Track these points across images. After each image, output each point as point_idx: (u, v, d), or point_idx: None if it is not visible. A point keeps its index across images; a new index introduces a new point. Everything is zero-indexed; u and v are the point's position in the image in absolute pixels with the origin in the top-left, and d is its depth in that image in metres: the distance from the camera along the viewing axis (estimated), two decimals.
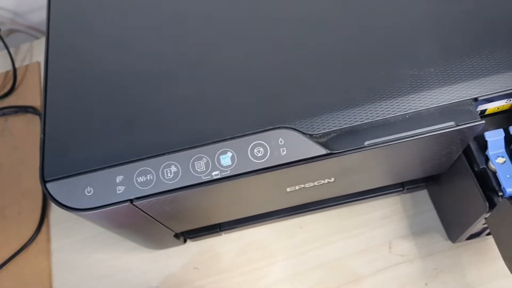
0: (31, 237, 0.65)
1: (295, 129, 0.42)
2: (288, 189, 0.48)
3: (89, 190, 0.41)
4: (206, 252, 0.62)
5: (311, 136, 0.42)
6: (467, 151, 0.48)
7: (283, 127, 0.42)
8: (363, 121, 0.42)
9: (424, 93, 0.42)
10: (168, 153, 0.42)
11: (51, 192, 0.42)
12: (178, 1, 0.50)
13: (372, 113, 0.42)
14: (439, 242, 0.59)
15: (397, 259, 0.59)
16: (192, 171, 0.42)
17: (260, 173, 0.42)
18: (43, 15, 0.59)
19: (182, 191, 0.41)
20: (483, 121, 0.42)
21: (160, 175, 0.41)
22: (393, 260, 0.59)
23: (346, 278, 0.59)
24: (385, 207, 0.62)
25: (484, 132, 0.46)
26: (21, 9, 0.83)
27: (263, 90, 0.44)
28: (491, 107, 0.46)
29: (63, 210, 0.42)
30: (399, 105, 0.42)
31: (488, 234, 0.55)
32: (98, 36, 0.49)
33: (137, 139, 0.43)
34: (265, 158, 0.42)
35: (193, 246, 0.62)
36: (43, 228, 0.66)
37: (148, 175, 0.41)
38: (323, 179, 0.47)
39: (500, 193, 0.45)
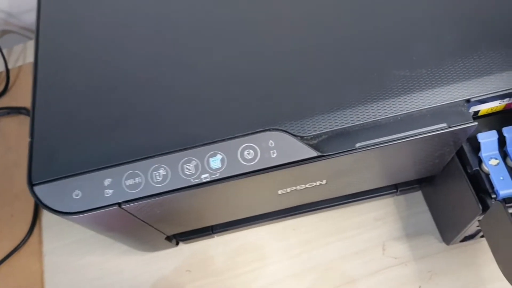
0: (23, 239, 0.64)
1: (285, 131, 0.42)
2: (279, 192, 0.48)
3: (77, 194, 0.41)
4: (198, 254, 0.62)
5: (301, 138, 0.42)
6: (460, 153, 0.48)
7: (273, 129, 0.42)
8: (354, 123, 0.42)
9: (416, 95, 0.42)
10: (157, 155, 0.42)
11: (39, 196, 0.41)
12: (166, 3, 0.49)
13: (364, 115, 0.42)
14: (433, 244, 0.59)
15: (391, 262, 0.58)
16: (181, 174, 0.41)
17: (250, 176, 0.41)
18: None
19: (171, 194, 0.41)
20: (476, 123, 0.41)
21: (149, 178, 0.41)
22: (386, 262, 0.59)
23: (340, 281, 0.58)
24: (379, 209, 0.61)
25: (477, 133, 0.45)
26: (14, 10, 0.83)
27: (253, 92, 0.44)
28: (484, 108, 0.46)
29: None
30: (390, 106, 0.42)
31: (483, 236, 0.55)
32: (87, 39, 0.48)
33: (125, 142, 0.42)
34: (255, 161, 0.41)
35: (185, 249, 0.62)
36: (35, 230, 0.65)
37: (136, 178, 0.41)
38: (315, 182, 0.47)
39: (493, 195, 0.45)
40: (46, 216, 0.66)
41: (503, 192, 0.44)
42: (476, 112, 0.46)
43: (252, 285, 0.60)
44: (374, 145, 0.41)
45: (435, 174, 0.53)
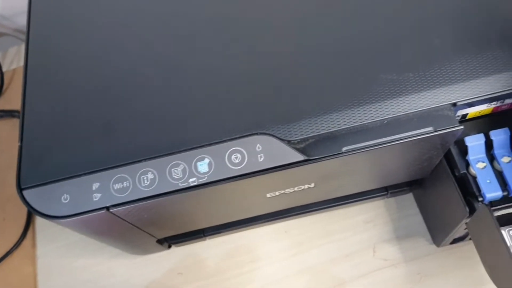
0: (16, 243, 0.65)
1: (273, 135, 0.42)
2: (268, 195, 0.48)
3: (65, 198, 0.41)
4: (191, 257, 0.62)
5: (289, 142, 0.42)
6: (448, 156, 0.48)
7: (260, 133, 0.42)
8: (341, 127, 0.42)
9: (402, 98, 0.42)
10: (145, 160, 0.42)
11: (28, 200, 0.42)
12: (157, 6, 0.50)
13: (350, 118, 0.42)
14: (424, 246, 0.59)
15: (381, 264, 0.59)
16: (169, 178, 0.41)
17: (237, 180, 0.42)
18: None
19: (159, 198, 0.41)
20: (462, 126, 0.42)
21: (137, 182, 0.41)
22: (377, 264, 0.59)
23: (331, 283, 0.59)
24: (370, 211, 0.62)
25: (465, 136, 0.46)
26: (8, 12, 0.83)
27: (241, 96, 0.44)
28: (472, 111, 0.46)
29: None
30: (377, 110, 0.42)
31: None
32: (77, 44, 0.49)
33: (114, 146, 0.43)
34: (243, 165, 0.41)
35: (177, 252, 0.62)
36: (29, 234, 0.66)
37: (124, 182, 0.41)
38: (303, 185, 0.47)
39: (480, 199, 0.45)
40: (40, 219, 0.66)
41: (489, 195, 0.44)
42: (464, 115, 0.47)
43: None
44: (360, 149, 0.41)
45: (424, 176, 0.53)
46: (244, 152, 0.42)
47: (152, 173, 0.41)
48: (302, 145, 0.42)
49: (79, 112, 0.45)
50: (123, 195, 0.41)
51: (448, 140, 0.43)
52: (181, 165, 0.42)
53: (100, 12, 0.50)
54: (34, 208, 0.41)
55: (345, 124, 0.42)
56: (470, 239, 0.55)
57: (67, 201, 0.41)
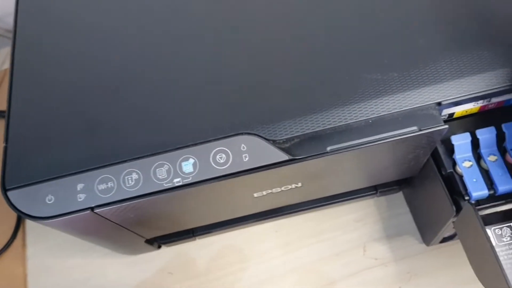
0: (7, 243, 0.65)
1: (257, 135, 0.42)
2: (255, 195, 0.48)
3: (50, 198, 0.41)
4: (181, 257, 0.62)
5: (273, 142, 0.42)
6: (435, 155, 0.48)
7: (245, 133, 0.42)
8: (326, 126, 0.42)
9: (387, 98, 0.42)
10: (129, 160, 0.42)
11: (12, 201, 0.42)
12: (142, 7, 0.50)
13: (335, 118, 0.42)
14: (413, 245, 0.59)
15: (371, 263, 0.59)
16: (153, 178, 0.41)
17: (222, 180, 0.42)
18: None
19: (143, 199, 0.41)
20: (446, 126, 0.42)
21: (121, 183, 0.41)
22: (367, 263, 0.59)
23: (320, 282, 0.59)
24: (360, 210, 0.62)
25: (451, 135, 0.46)
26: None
27: (225, 96, 0.44)
28: (458, 110, 0.46)
29: None
30: (362, 110, 0.42)
31: None
32: (62, 45, 0.48)
33: (98, 147, 0.43)
34: (228, 165, 0.41)
35: (168, 251, 0.62)
36: (19, 234, 0.66)
37: (109, 183, 0.41)
38: (290, 185, 0.47)
39: (467, 197, 0.45)
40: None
41: (475, 194, 0.44)
42: (451, 115, 0.47)
43: (234, 287, 0.60)
44: (345, 148, 0.41)
45: (413, 175, 0.53)
46: (229, 152, 0.42)
47: (137, 173, 0.41)
48: (287, 145, 0.42)
49: (64, 113, 0.45)
50: (107, 195, 0.41)
51: (433, 139, 0.43)
52: (165, 165, 0.42)
53: (85, 13, 0.50)
54: (18, 209, 0.41)
55: (330, 124, 0.42)
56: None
57: (51, 201, 0.41)
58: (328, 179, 0.49)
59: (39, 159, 0.43)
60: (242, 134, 0.42)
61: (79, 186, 0.41)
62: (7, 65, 0.81)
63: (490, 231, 0.44)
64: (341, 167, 0.46)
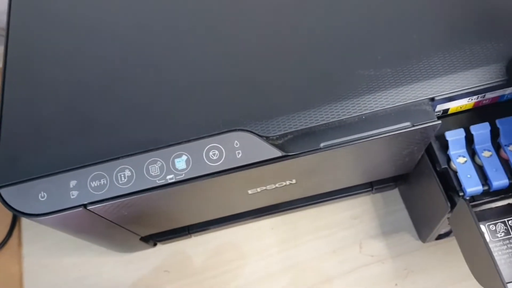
0: (2, 242, 0.65)
1: (250, 132, 0.42)
2: (249, 192, 0.48)
3: (42, 195, 0.41)
4: (177, 254, 0.62)
5: (267, 138, 0.42)
6: (429, 151, 0.48)
7: (238, 130, 0.42)
8: (319, 122, 0.42)
9: (380, 94, 0.42)
10: (122, 157, 0.42)
11: (4, 198, 0.41)
12: (130, 6, 0.49)
13: (328, 114, 0.42)
14: (410, 242, 0.59)
15: (368, 260, 0.59)
16: (146, 175, 0.41)
17: (216, 176, 0.41)
18: None
19: (136, 196, 0.41)
20: (440, 121, 0.42)
21: (114, 180, 0.41)
22: (363, 260, 0.59)
23: (317, 279, 0.59)
24: (356, 207, 0.62)
25: (446, 131, 0.46)
26: None
27: (218, 92, 0.44)
28: (453, 106, 0.46)
29: None
30: (355, 106, 0.42)
31: None
32: (55, 43, 0.48)
33: (91, 144, 0.42)
34: (221, 161, 0.41)
35: (164, 249, 0.62)
36: (15, 233, 0.66)
37: (101, 180, 0.41)
38: (284, 181, 0.47)
39: (461, 193, 0.45)
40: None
41: (470, 190, 0.44)
42: (446, 111, 0.47)
43: (231, 285, 0.60)
44: (338, 144, 0.41)
45: (408, 172, 0.53)
46: (222, 148, 0.42)
47: (130, 170, 0.41)
48: (280, 141, 0.42)
49: (57, 110, 0.45)
50: (100, 192, 0.41)
51: (427, 135, 0.43)
52: (158, 162, 0.41)
53: (78, 10, 0.50)
54: (11, 206, 0.41)
55: (323, 120, 0.42)
56: None
57: (44, 199, 0.41)
58: (322, 176, 0.49)
59: (32, 156, 0.43)
60: (235, 130, 0.42)
61: (72, 183, 0.41)
62: (0, 63, 0.81)
63: (484, 226, 0.44)
64: (335, 164, 0.46)
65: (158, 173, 0.41)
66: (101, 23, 0.49)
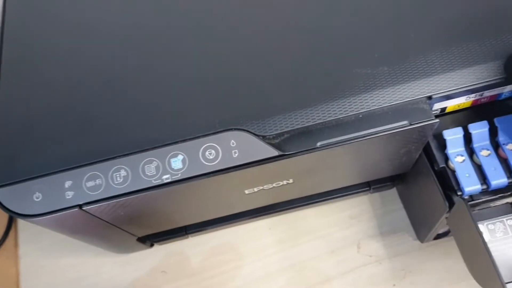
0: None
1: (247, 131, 0.41)
2: (246, 191, 0.47)
3: (37, 196, 0.41)
4: (174, 255, 0.62)
5: (263, 138, 0.41)
6: (427, 150, 0.47)
7: (235, 129, 0.42)
8: (315, 121, 0.42)
9: (377, 92, 0.42)
10: (118, 157, 0.41)
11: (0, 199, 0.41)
12: (126, 5, 0.49)
13: (325, 113, 0.42)
14: (408, 242, 0.59)
15: (366, 260, 0.58)
16: (142, 175, 0.41)
17: (212, 176, 0.41)
18: None
19: (132, 196, 0.41)
20: (437, 120, 0.41)
21: (110, 180, 0.41)
22: (361, 260, 0.58)
23: (315, 279, 0.58)
24: (354, 207, 0.61)
25: (444, 130, 0.45)
26: None
27: (214, 92, 0.43)
28: (450, 105, 0.46)
29: None
30: (352, 105, 0.42)
31: None
32: (50, 43, 0.48)
33: (86, 144, 0.42)
34: (217, 161, 0.41)
35: (161, 250, 0.62)
36: (11, 233, 0.65)
37: (97, 180, 0.41)
38: (281, 181, 0.47)
39: (459, 193, 0.44)
40: None
41: (468, 189, 0.44)
42: (444, 109, 0.46)
43: (228, 285, 0.60)
44: (335, 143, 0.41)
45: (405, 171, 0.53)
46: (218, 148, 0.41)
47: (125, 170, 0.41)
48: (277, 140, 0.41)
49: (52, 110, 0.44)
50: (96, 192, 0.41)
51: (425, 134, 0.43)
52: (154, 162, 0.41)
53: (74, 9, 0.50)
54: (6, 207, 0.41)
55: (320, 119, 0.42)
56: None
57: (39, 199, 0.41)
58: (319, 175, 0.49)
59: (27, 156, 0.42)
60: (231, 129, 0.42)
61: (67, 184, 0.41)
62: None
63: (483, 226, 0.44)
64: (332, 163, 0.46)
65: (154, 173, 0.41)
66: (96, 21, 0.49)
